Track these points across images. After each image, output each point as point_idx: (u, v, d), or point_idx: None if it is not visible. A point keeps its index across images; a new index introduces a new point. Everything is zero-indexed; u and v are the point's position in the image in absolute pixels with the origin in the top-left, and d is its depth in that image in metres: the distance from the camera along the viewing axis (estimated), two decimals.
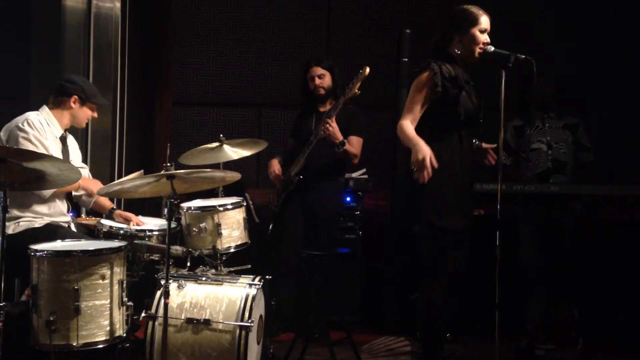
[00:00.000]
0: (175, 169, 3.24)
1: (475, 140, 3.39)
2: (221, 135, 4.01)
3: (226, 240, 3.64)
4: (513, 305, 3.83)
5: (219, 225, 3.60)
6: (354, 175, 4.90)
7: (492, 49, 3.21)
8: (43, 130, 3.50)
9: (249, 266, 3.74)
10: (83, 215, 4.02)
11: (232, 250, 3.67)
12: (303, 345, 3.80)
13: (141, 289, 3.37)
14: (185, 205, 3.68)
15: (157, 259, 3.54)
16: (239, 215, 3.72)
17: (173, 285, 3.22)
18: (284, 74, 5.55)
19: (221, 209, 3.63)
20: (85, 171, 3.83)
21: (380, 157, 5.00)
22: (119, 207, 4.19)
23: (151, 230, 3.63)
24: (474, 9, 3.26)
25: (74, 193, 3.71)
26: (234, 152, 3.99)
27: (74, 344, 2.94)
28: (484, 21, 3.24)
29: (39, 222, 3.47)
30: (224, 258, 3.66)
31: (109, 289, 3.03)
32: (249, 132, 5.43)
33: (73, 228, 3.63)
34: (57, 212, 3.56)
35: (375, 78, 4.54)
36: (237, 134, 5.26)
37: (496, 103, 3.17)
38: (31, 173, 2.92)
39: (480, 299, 3.71)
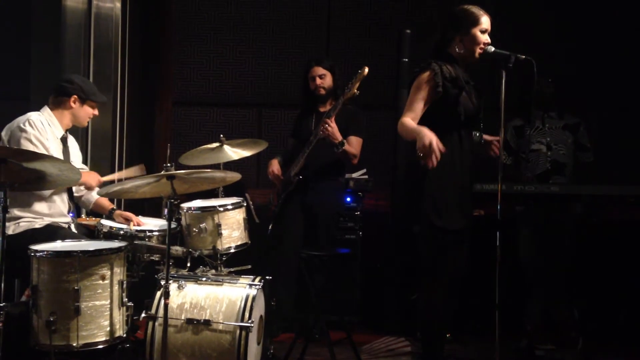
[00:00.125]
0: (176, 169, 3.24)
1: (477, 133, 3.40)
2: (221, 135, 4.01)
3: (226, 240, 3.64)
4: (513, 305, 3.83)
5: (219, 225, 3.61)
6: (354, 175, 4.90)
7: (493, 49, 3.21)
8: (44, 130, 3.51)
9: (249, 266, 3.75)
10: (83, 216, 4.02)
11: (232, 250, 3.68)
12: (303, 345, 3.79)
13: (141, 290, 3.38)
14: (185, 205, 3.68)
15: (157, 259, 3.55)
16: (239, 215, 3.72)
17: (173, 286, 3.22)
18: (284, 74, 5.55)
19: (221, 209, 3.64)
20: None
21: (380, 157, 5.00)
22: (119, 207, 4.19)
23: (151, 231, 3.63)
24: (475, 9, 3.26)
25: (74, 190, 3.70)
26: (234, 153, 3.99)
27: (74, 345, 2.95)
28: (485, 21, 3.24)
29: (39, 223, 3.47)
30: (224, 258, 3.66)
31: (109, 289, 3.04)
32: (249, 133, 5.43)
33: (73, 229, 3.63)
34: (57, 212, 3.56)
35: (375, 78, 4.54)
36: (237, 134, 5.26)
37: (496, 103, 3.17)
38: (31, 173, 2.93)
39: (480, 299, 3.72)
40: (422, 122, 3.20)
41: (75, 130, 4.20)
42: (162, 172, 3.13)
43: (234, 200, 3.78)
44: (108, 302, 3.03)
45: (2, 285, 2.80)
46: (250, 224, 3.84)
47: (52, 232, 3.41)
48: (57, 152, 3.54)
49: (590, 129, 4.35)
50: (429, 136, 2.99)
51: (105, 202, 3.76)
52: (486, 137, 3.44)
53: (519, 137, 4.32)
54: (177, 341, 3.13)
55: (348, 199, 4.87)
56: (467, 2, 3.31)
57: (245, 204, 3.80)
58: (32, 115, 3.53)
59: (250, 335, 3.14)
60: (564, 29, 5.14)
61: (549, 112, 4.31)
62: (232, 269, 3.65)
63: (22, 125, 3.46)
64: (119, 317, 3.09)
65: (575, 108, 4.38)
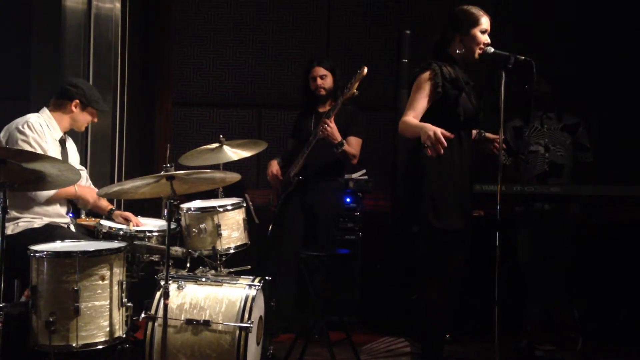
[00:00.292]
0: (175, 170, 3.24)
1: (481, 131, 3.40)
2: (221, 136, 4.01)
3: (226, 241, 3.64)
4: (513, 305, 3.82)
5: (218, 226, 3.60)
6: (354, 175, 4.90)
7: (492, 50, 3.21)
8: (42, 132, 3.50)
9: (249, 267, 3.74)
10: (82, 216, 4.01)
11: (231, 251, 3.67)
12: (303, 345, 3.79)
13: (141, 290, 3.38)
14: (185, 206, 3.68)
15: (156, 259, 3.54)
16: (238, 216, 3.72)
17: (173, 286, 3.22)
18: (284, 74, 5.55)
19: (221, 209, 3.64)
20: (84, 173, 3.83)
21: (380, 157, 5.00)
22: (118, 208, 4.19)
23: (151, 231, 3.63)
24: (475, 10, 3.26)
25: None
26: (233, 153, 3.99)
27: (74, 345, 2.94)
28: (485, 22, 3.24)
29: (38, 223, 3.48)
30: (223, 259, 3.66)
31: (108, 289, 3.04)
32: (249, 133, 5.43)
33: (72, 229, 3.63)
34: (56, 213, 3.56)
35: (375, 78, 4.55)
36: (237, 134, 5.26)
37: (496, 104, 3.17)
38: (31, 174, 2.92)
39: (480, 299, 3.72)
40: (422, 122, 3.20)
41: (75, 131, 4.20)
42: (162, 173, 3.13)
43: (234, 200, 3.78)
44: (107, 302, 3.03)
45: (2, 285, 2.79)
46: (250, 224, 3.83)
47: (51, 232, 3.41)
48: (55, 154, 3.53)
49: (590, 129, 4.35)
50: (433, 127, 2.99)
51: (104, 202, 3.76)
52: (488, 135, 3.45)
53: (518, 138, 4.31)
54: (177, 341, 3.13)
55: (348, 200, 4.87)
56: (467, 2, 3.31)
57: (245, 205, 3.80)
58: (31, 117, 3.53)
59: (249, 336, 3.14)
60: (564, 29, 5.13)
61: (547, 112, 4.30)
62: (231, 270, 3.65)
63: (20, 128, 3.45)
64: (119, 317, 3.08)
65: (575, 108, 4.38)
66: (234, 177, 3.34)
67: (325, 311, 3.86)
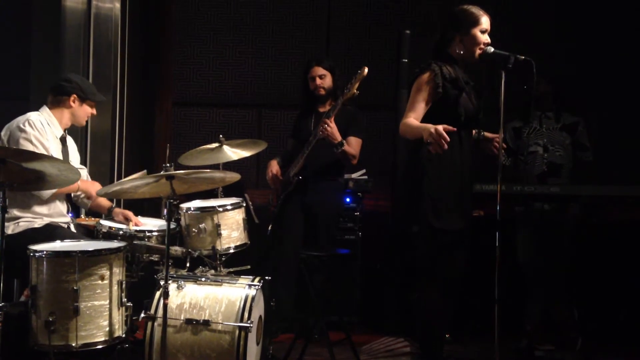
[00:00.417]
0: (175, 170, 3.24)
1: (479, 131, 3.40)
2: (221, 135, 4.01)
3: (225, 240, 3.64)
4: (513, 305, 3.82)
5: (218, 225, 3.60)
6: (354, 175, 4.90)
7: (492, 50, 3.21)
8: (44, 130, 3.51)
9: (249, 267, 3.74)
10: (82, 216, 4.01)
11: (231, 250, 3.67)
12: (302, 345, 3.79)
13: (140, 290, 3.38)
14: (184, 205, 3.68)
15: (156, 259, 3.54)
16: (238, 215, 3.72)
17: (172, 286, 3.22)
18: (284, 74, 5.55)
19: (221, 209, 3.63)
20: (84, 172, 3.83)
21: (380, 157, 5.00)
22: (118, 207, 4.18)
23: (150, 231, 3.63)
24: (475, 10, 3.26)
25: (72, 194, 3.71)
26: (233, 153, 3.99)
27: (73, 345, 2.94)
28: (485, 21, 3.24)
29: (38, 223, 3.47)
30: (223, 259, 3.66)
31: (108, 289, 3.04)
32: (249, 133, 5.43)
33: (72, 229, 3.63)
34: (56, 212, 3.56)
35: (375, 79, 4.54)
36: (237, 134, 5.27)
37: (496, 104, 3.17)
38: (31, 173, 2.93)
39: (480, 299, 3.71)
40: (422, 122, 3.20)
41: (75, 130, 4.20)
42: (162, 173, 3.13)
43: (234, 200, 3.78)
44: (107, 302, 3.03)
45: (2, 285, 2.80)
46: (249, 224, 3.83)
47: (51, 232, 3.41)
48: (56, 152, 3.54)
49: (590, 128, 4.34)
50: (434, 126, 2.98)
51: (103, 201, 3.76)
52: (487, 134, 3.45)
53: (517, 139, 4.31)
54: (177, 341, 3.13)
55: (348, 200, 4.87)
56: (467, 2, 3.31)
57: (244, 205, 3.80)
58: (32, 116, 3.53)
59: (249, 336, 3.13)
60: (564, 29, 5.14)
61: (546, 112, 4.30)
62: (231, 269, 3.65)
63: (21, 126, 3.46)
64: (118, 317, 3.08)
65: (574, 108, 4.38)
66: (233, 176, 3.34)
67: (325, 311, 3.85)
